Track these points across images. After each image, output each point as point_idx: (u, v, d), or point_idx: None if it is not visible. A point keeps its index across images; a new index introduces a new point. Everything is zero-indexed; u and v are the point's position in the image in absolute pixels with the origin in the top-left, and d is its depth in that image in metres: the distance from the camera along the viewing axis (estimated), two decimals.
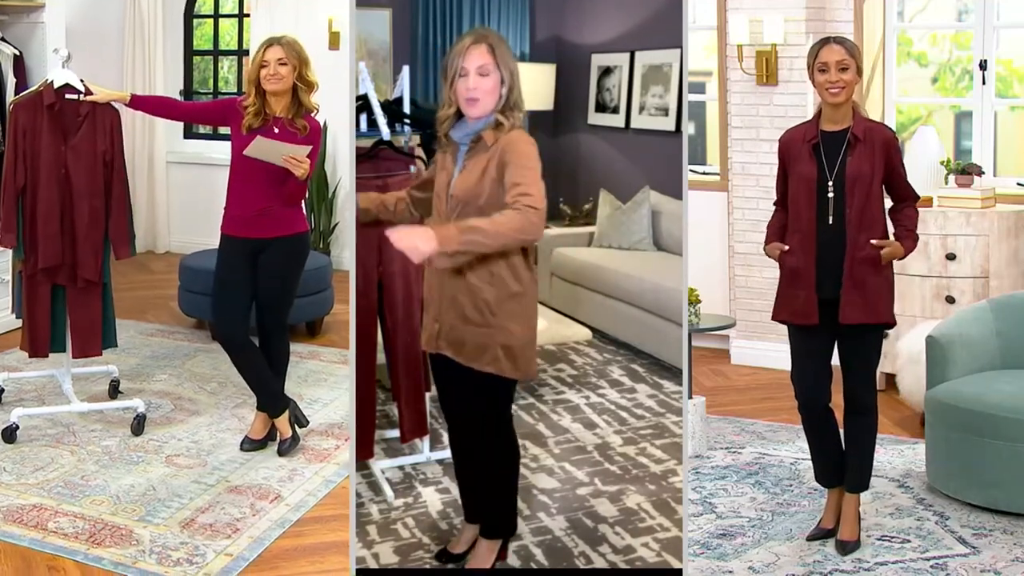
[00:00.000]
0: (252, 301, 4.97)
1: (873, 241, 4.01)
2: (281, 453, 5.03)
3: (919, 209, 5.77)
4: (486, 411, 3.51)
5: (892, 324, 4.16)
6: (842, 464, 4.22)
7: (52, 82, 5.17)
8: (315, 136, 4.87)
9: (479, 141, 3.36)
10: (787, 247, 4.12)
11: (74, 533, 4.24)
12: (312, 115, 4.91)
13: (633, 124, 6.47)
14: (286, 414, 5.08)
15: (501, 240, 3.19)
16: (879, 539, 4.22)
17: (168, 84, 9.53)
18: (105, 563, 4.02)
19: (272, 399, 5.05)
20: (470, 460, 3.66)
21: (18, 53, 6.90)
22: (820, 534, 4.21)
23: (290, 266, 4.99)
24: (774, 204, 4.28)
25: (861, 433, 4.17)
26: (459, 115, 3.43)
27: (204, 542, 4.20)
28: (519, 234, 3.19)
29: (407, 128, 4.45)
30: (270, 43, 4.81)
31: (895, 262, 4.18)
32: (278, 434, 5.09)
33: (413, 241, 3.11)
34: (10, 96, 6.62)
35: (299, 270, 5.04)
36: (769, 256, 4.22)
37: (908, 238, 4.11)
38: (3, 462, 4.91)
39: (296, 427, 5.13)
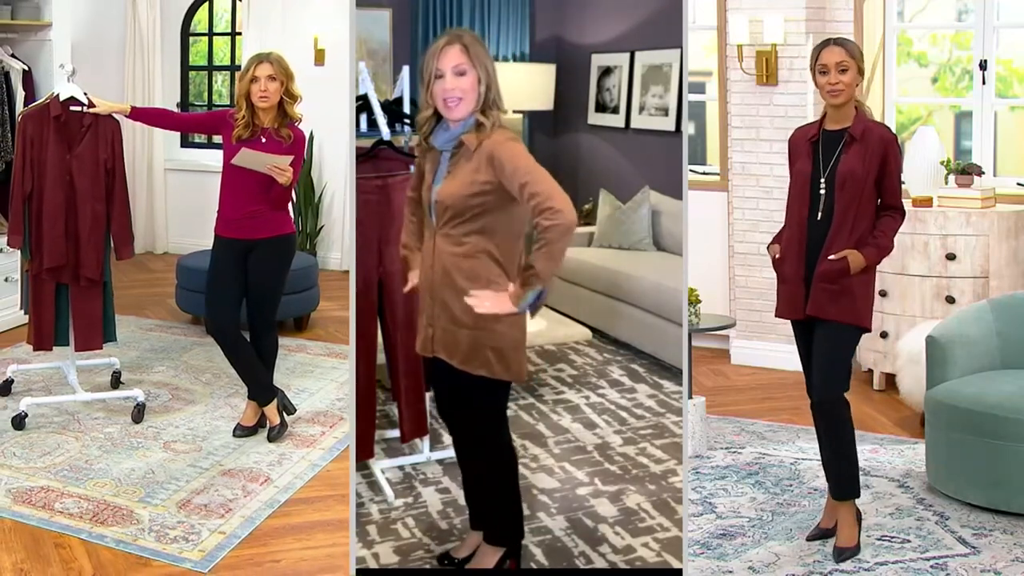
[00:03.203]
0: (242, 297, 5.21)
1: (831, 257, 3.99)
2: (271, 439, 5.24)
3: (919, 209, 5.84)
4: (480, 415, 3.49)
5: (864, 328, 4.06)
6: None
7: (58, 95, 5.41)
8: (298, 145, 5.13)
9: (461, 146, 3.31)
10: (777, 255, 4.13)
11: (79, 513, 4.43)
12: (296, 125, 5.15)
13: (633, 124, 6.47)
14: (275, 403, 5.31)
15: (561, 257, 3.17)
16: (879, 539, 4.22)
17: (166, 97, 9.89)
18: (108, 540, 4.20)
19: (261, 389, 5.28)
20: (468, 465, 3.65)
21: (27, 68, 7.21)
22: (819, 534, 4.20)
23: (277, 265, 5.21)
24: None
25: (830, 436, 4.09)
26: (437, 118, 3.38)
27: (199, 521, 4.38)
28: (568, 238, 3.16)
29: (407, 128, 4.46)
30: (259, 60, 5.05)
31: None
32: (267, 421, 5.31)
33: (488, 304, 3.22)
34: (19, 108, 6.92)
35: (286, 269, 5.26)
36: (769, 254, 4.23)
37: (870, 246, 4.00)
38: (13, 447, 5.12)
39: (284, 415, 5.36)
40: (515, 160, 3.21)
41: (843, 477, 4.11)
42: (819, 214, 4.05)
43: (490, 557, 3.59)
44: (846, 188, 3.99)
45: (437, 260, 3.36)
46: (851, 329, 4.04)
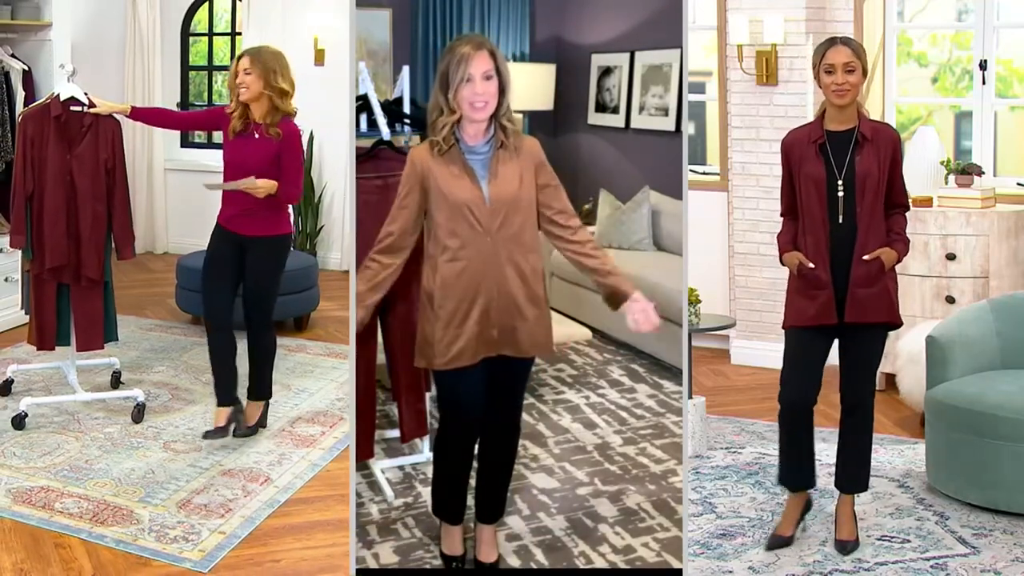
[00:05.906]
0: (237, 287, 5.20)
1: (865, 257, 3.99)
2: (235, 435, 5.14)
3: (919, 209, 5.85)
4: (520, 401, 3.66)
5: (899, 324, 4.14)
6: (812, 468, 4.20)
7: (58, 95, 5.42)
8: (290, 141, 5.08)
9: (501, 147, 3.43)
10: (812, 264, 4.03)
11: (79, 513, 4.44)
12: (292, 119, 5.13)
13: (633, 124, 6.47)
14: (262, 404, 5.30)
15: None
16: (879, 539, 4.22)
17: (166, 97, 9.90)
18: (108, 540, 4.21)
19: (223, 390, 5.18)
20: (495, 454, 3.67)
21: (27, 68, 7.22)
22: (778, 543, 4.14)
23: (272, 264, 5.23)
24: (781, 215, 4.22)
25: (858, 434, 4.14)
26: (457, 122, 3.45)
27: (199, 521, 4.39)
28: None
29: (407, 128, 4.46)
30: (241, 54, 5.12)
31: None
32: (237, 421, 5.18)
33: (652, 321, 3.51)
34: (20, 108, 6.92)
35: (281, 268, 5.28)
36: (787, 266, 4.12)
37: (900, 241, 4.07)
38: (13, 447, 5.13)
39: (236, 423, 5.18)
40: (551, 171, 3.50)
41: (862, 471, 4.18)
42: (840, 217, 4.01)
43: (493, 536, 3.71)
44: (867, 189, 3.98)
45: (503, 262, 3.41)
46: (887, 327, 4.11)
